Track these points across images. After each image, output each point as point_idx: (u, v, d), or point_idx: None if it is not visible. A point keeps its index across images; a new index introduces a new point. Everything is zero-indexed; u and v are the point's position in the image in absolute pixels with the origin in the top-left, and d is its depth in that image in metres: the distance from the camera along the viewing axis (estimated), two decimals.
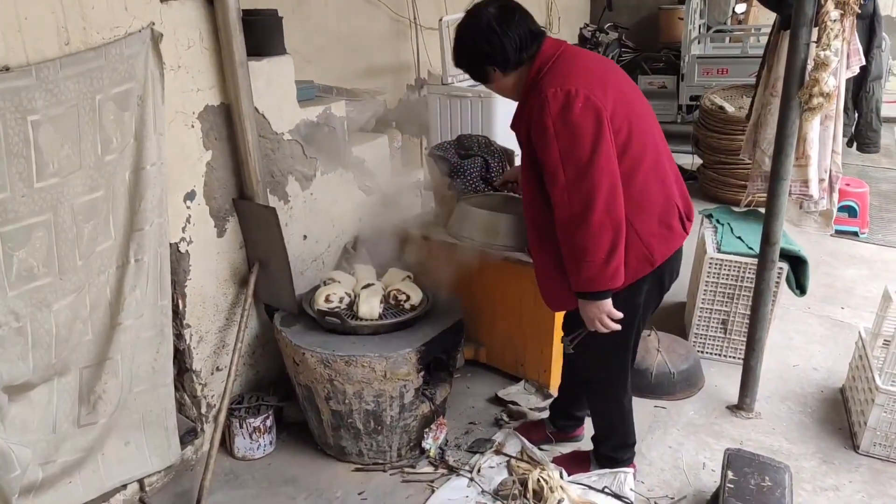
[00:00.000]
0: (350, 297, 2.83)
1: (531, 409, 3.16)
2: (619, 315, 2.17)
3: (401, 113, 4.77)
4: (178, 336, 2.76)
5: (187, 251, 2.68)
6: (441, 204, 3.54)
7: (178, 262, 2.66)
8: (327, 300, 2.76)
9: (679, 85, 7.58)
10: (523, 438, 2.89)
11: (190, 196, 2.66)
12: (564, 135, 2.00)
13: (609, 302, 2.15)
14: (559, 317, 2.99)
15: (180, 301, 2.70)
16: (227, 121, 2.74)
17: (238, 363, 2.78)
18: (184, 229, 2.66)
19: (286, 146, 3.04)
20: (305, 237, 3.25)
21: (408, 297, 2.81)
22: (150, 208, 2.48)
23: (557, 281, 2.26)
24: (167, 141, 2.50)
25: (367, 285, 2.89)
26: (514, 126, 2.27)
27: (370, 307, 2.71)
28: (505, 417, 3.10)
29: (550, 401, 3.17)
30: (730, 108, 5.91)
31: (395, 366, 2.59)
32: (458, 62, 2.29)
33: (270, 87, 2.90)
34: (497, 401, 3.25)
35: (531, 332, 3.23)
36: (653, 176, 2.17)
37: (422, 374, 2.68)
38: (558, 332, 3.03)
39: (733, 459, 2.50)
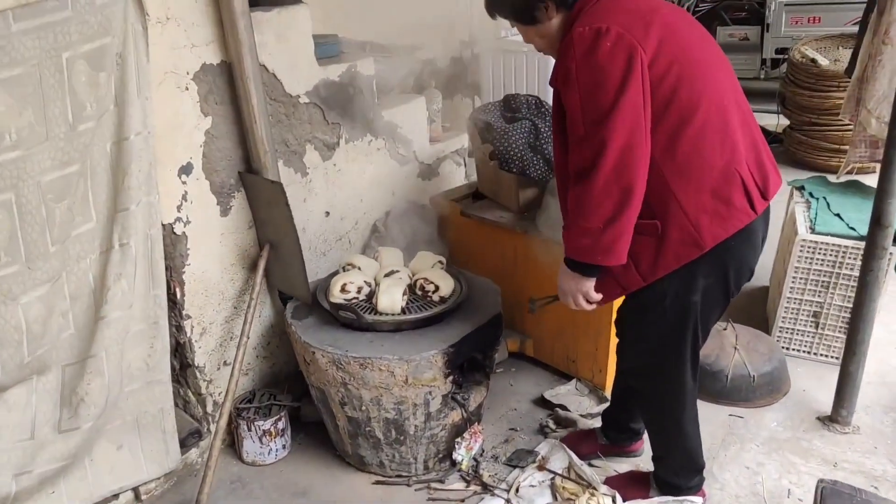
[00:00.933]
0: (370, 286, 2.45)
1: (582, 415, 2.73)
2: (597, 297, 1.93)
3: (451, 71, 4.32)
4: (178, 328, 2.44)
5: (184, 233, 2.34)
6: (482, 174, 3.10)
7: (174, 246, 2.33)
8: (343, 290, 2.39)
9: (763, 36, 6.81)
10: (571, 452, 2.48)
11: (186, 170, 2.31)
12: (587, 77, 1.69)
13: (592, 282, 1.90)
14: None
15: (177, 289, 2.38)
16: (229, 82, 2.36)
17: (243, 358, 2.45)
18: (179, 208, 2.32)
19: (303, 110, 2.65)
20: (328, 214, 2.88)
21: (436, 288, 2.41)
22: (136, 185, 2.14)
23: None
24: (155, 106, 2.15)
25: (391, 272, 2.50)
26: (551, 82, 1.88)
27: (391, 300, 2.32)
28: (551, 424, 2.68)
29: (604, 406, 2.74)
30: (823, 62, 5.20)
31: (417, 370, 2.21)
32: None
33: (282, 42, 2.51)
34: (543, 403, 2.84)
35: (584, 324, 2.79)
36: (709, 136, 1.74)
37: (451, 378, 2.29)
38: None
39: (829, 497, 2.02)
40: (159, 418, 2.38)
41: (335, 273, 2.59)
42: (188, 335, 2.45)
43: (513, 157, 2.78)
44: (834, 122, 5.03)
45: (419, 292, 2.44)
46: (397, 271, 2.50)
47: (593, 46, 1.68)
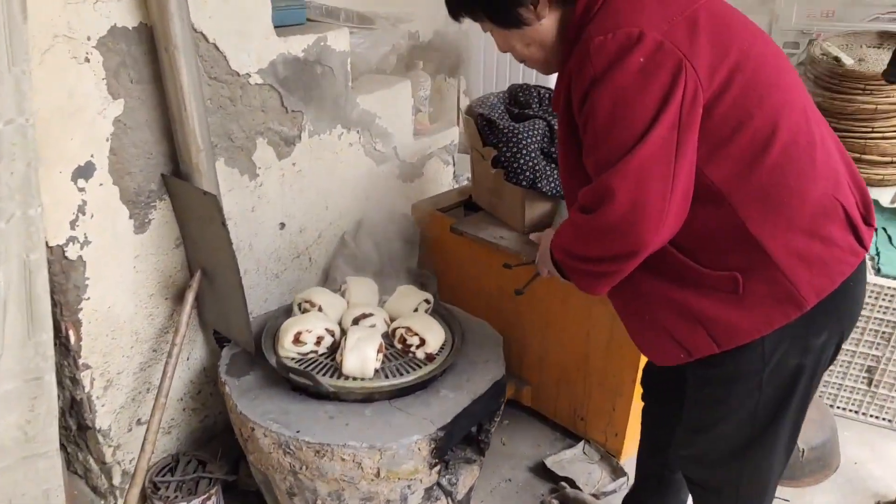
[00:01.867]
0: (333, 335, 1.85)
1: (595, 493, 2.19)
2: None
3: (435, 48, 3.69)
4: (73, 381, 1.82)
5: (81, 257, 1.72)
6: (480, 183, 2.51)
7: (66, 275, 1.70)
8: (297, 341, 1.79)
9: (771, 29, 6.29)
10: None
11: (84, 172, 1.68)
12: (606, 106, 1.24)
13: None
14: (643, 360, 2.03)
15: (71, 332, 1.75)
16: (150, 53, 1.73)
17: (161, 417, 1.85)
18: (74, 224, 1.69)
19: (253, 94, 2.02)
20: (283, 225, 2.26)
21: (422, 342, 1.82)
22: (6, 194, 1.51)
23: (653, 315, 1.43)
24: (39, 84, 1.52)
25: (362, 316, 1.90)
26: (554, 104, 1.48)
27: (361, 360, 1.73)
28: None
29: (620, 482, 2.21)
30: (848, 61, 4.69)
31: (394, 461, 1.63)
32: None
33: (228, 4, 1.87)
34: (544, 471, 2.29)
35: (599, 376, 2.25)
36: (795, 158, 1.29)
37: (438, 468, 1.71)
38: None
39: None
40: (42, 503, 1.77)
41: (288, 310, 1.99)
42: (87, 390, 1.83)
43: (523, 168, 2.19)
44: (857, 129, 4.53)
45: (398, 345, 1.86)
46: (370, 314, 1.91)
47: (619, 63, 1.22)
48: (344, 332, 1.86)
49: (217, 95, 1.92)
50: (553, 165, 2.26)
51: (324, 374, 1.76)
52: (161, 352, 1.99)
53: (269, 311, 2.23)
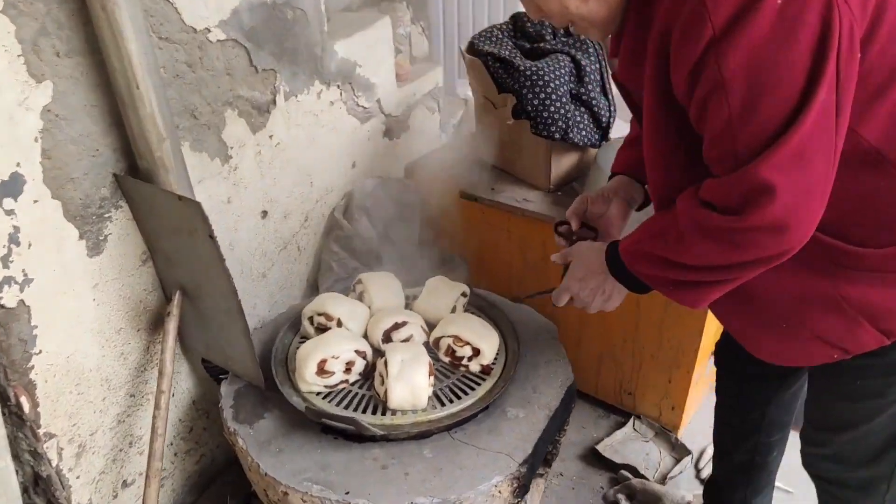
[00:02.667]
0: (365, 358, 1.48)
1: (659, 477, 1.94)
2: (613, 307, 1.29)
3: None
4: (34, 455, 1.41)
5: (21, 302, 1.28)
6: (488, 135, 2.12)
7: (6, 329, 1.27)
8: (322, 371, 1.42)
9: None
10: None
11: (9, 189, 1.22)
12: (738, 70, 0.90)
13: (623, 292, 1.26)
14: (710, 320, 1.77)
15: (23, 398, 1.33)
16: (80, 14, 1.25)
17: (159, 479, 1.46)
18: (6, 260, 1.24)
19: (215, 53, 1.56)
20: (265, 214, 1.84)
21: (476, 353, 1.47)
22: None
23: (794, 320, 1.14)
24: None
25: (393, 327, 1.53)
26: (623, 73, 1.19)
27: (411, 390, 1.37)
28: (622, 500, 1.87)
29: (685, 463, 1.96)
30: None
31: None
32: None
33: None
34: (598, 459, 2.02)
35: (652, 347, 1.97)
36: None
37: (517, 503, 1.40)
38: (706, 347, 1.84)
39: None
40: None
41: (294, 324, 1.61)
42: (54, 464, 1.42)
43: (554, 117, 1.82)
44: None
45: (446, 358, 1.51)
46: (402, 323, 1.54)
47: (750, 11, 0.87)
48: (377, 351, 1.50)
49: (171, 61, 1.46)
50: (583, 109, 1.90)
51: (363, 411, 1.40)
52: (141, 395, 1.58)
53: (264, 320, 1.83)
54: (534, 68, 1.83)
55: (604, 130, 1.96)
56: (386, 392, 1.37)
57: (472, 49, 2.00)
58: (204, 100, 1.56)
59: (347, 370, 1.45)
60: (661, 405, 2.05)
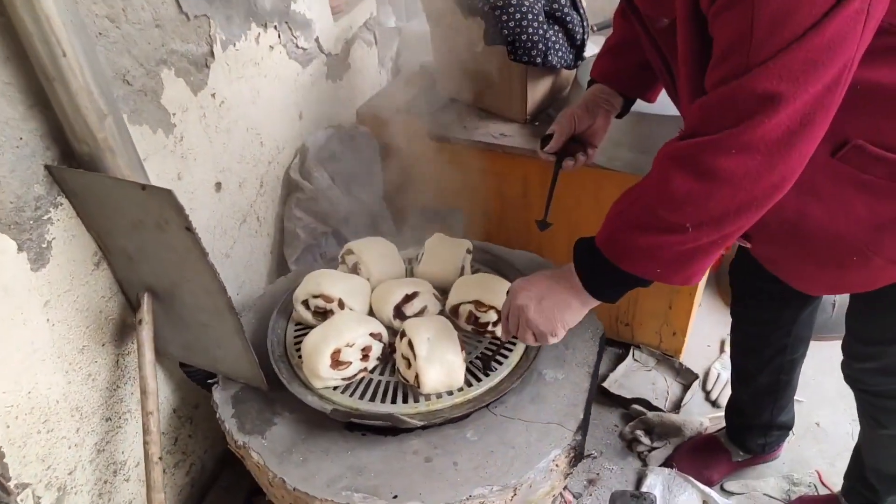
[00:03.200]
0: (381, 339, 1.30)
1: (671, 406, 1.90)
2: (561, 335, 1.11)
3: None
4: None
5: None
6: (453, 67, 1.92)
7: None
8: (337, 364, 1.23)
9: None
10: (704, 487, 1.66)
11: None
12: None
13: (586, 310, 1.09)
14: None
15: None
16: None
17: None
18: None
19: (139, 3, 1.28)
20: (219, 185, 1.60)
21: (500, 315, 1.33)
22: None
23: (864, 252, 1.03)
24: None
25: (404, 299, 1.36)
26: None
27: (447, 372, 1.22)
28: (642, 437, 1.81)
29: (694, 389, 1.93)
30: None
31: (531, 491, 1.19)
32: None
33: None
34: (606, 396, 1.95)
35: None
36: None
37: (572, 473, 1.29)
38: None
39: None
40: None
41: (283, 310, 1.41)
42: None
43: (533, 38, 1.64)
44: None
45: (468, 326, 1.36)
46: (414, 294, 1.37)
47: None
48: (390, 329, 1.33)
49: (90, 17, 1.18)
50: (557, 28, 1.72)
51: (392, 401, 1.24)
52: (118, 417, 1.36)
53: (237, 306, 1.62)
54: None
55: (578, 49, 1.80)
56: (417, 377, 1.21)
57: None
58: (135, 60, 1.29)
59: (365, 357, 1.27)
60: (661, 332, 1.99)
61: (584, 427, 1.24)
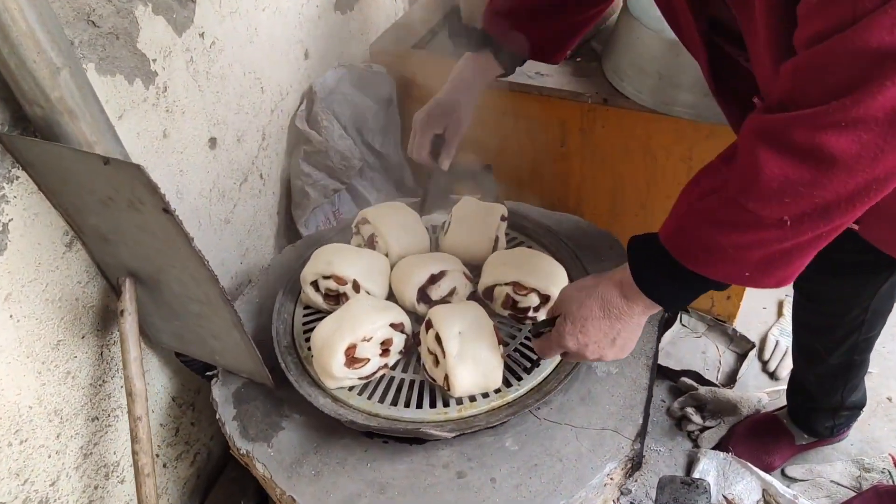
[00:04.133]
0: (403, 330, 1.11)
1: (724, 378, 1.72)
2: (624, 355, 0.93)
3: None
4: None
5: None
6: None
7: None
8: (353, 361, 1.05)
9: None
10: (763, 473, 1.49)
11: None
12: None
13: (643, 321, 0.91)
14: None
15: None
16: None
17: None
18: None
19: None
20: (214, 142, 1.38)
21: (545, 300, 1.13)
22: None
23: None
24: None
25: (430, 281, 1.16)
26: None
27: (483, 371, 1.03)
28: (693, 416, 1.64)
29: (751, 357, 1.74)
30: None
31: None
32: None
33: None
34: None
35: None
36: None
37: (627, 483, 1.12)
38: None
39: None
40: None
41: (292, 290, 1.22)
42: None
43: None
44: None
45: (504, 311, 1.16)
46: (440, 273, 1.17)
47: None
48: (413, 315, 1.14)
49: None
50: None
51: (419, 405, 1.06)
52: (107, 414, 1.19)
53: (239, 278, 1.44)
54: None
55: None
56: (447, 378, 1.02)
57: None
58: None
59: (385, 352, 1.08)
60: (714, 295, 1.79)
61: (642, 433, 1.06)
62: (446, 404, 1.05)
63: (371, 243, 1.26)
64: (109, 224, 1.00)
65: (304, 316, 1.21)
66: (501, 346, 1.06)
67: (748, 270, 0.76)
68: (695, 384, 1.68)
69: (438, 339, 1.04)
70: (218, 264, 1.44)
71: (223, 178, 1.43)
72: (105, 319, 1.16)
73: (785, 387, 1.57)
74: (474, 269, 1.22)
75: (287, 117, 1.63)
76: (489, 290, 1.16)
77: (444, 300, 1.17)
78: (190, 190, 1.33)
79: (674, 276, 0.80)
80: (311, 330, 1.12)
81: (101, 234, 1.03)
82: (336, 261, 1.16)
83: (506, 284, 1.14)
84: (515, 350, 1.13)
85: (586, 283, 0.91)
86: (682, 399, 1.67)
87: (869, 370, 1.69)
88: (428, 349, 1.07)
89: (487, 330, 1.06)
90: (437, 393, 1.07)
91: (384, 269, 1.20)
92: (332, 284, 1.16)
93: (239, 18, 1.40)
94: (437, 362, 1.05)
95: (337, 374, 1.04)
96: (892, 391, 1.69)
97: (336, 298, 1.17)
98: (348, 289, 1.15)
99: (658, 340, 1.19)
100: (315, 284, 1.18)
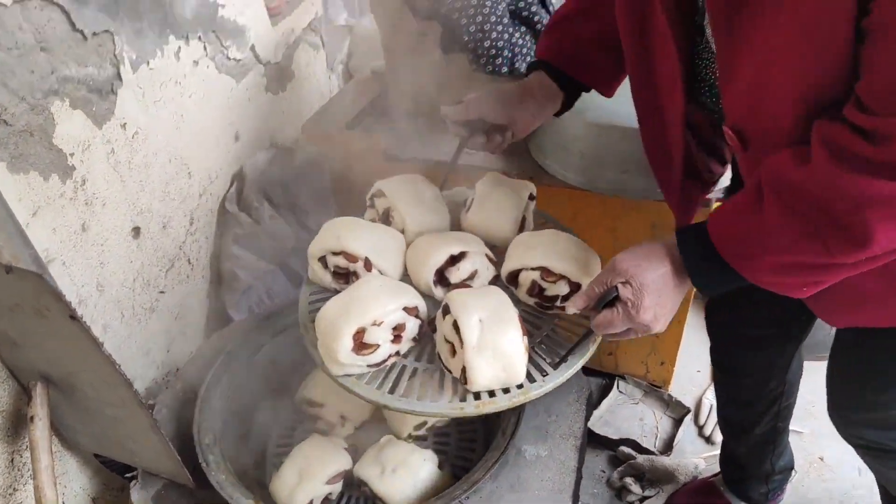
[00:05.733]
0: (417, 315, 1.03)
1: (662, 445, 1.73)
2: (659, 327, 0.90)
3: None
4: None
5: None
6: (405, 75, 1.70)
7: None
8: (362, 347, 0.97)
9: None
10: None
11: None
12: None
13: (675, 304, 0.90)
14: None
15: None
16: None
17: None
18: None
19: (16, 21, 1.05)
20: (138, 231, 1.36)
21: (575, 288, 1.03)
22: None
23: None
24: None
25: (449, 262, 1.08)
26: None
27: (504, 363, 0.94)
28: (632, 486, 1.64)
29: (686, 423, 1.76)
30: None
31: None
32: None
33: None
34: (591, 435, 1.77)
35: None
36: None
37: None
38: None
39: None
40: None
41: (227, 364, 1.19)
42: None
43: (497, 45, 1.43)
44: None
45: (530, 299, 1.07)
46: (461, 254, 1.08)
47: None
48: (430, 298, 1.06)
49: None
50: (524, 29, 1.51)
51: (430, 399, 0.96)
52: None
53: (167, 367, 1.40)
54: None
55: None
56: (464, 370, 0.94)
57: None
58: (14, 95, 1.05)
59: (397, 338, 1.00)
60: (648, 362, 1.82)
61: None
62: (463, 399, 0.96)
63: (386, 218, 1.17)
64: (18, 329, 0.97)
65: (311, 294, 1.11)
66: (525, 337, 0.98)
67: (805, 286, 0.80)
68: (633, 453, 1.69)
69: (456, 326, 0.96)
70: (142, 354, 1.41)
71: (148, 267, 1.40)
72: (16, 424, 1.11)
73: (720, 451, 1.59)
74: (498, 251, 1.13)
75: (217, 200, 1.62)
76: (514, 275, 1.07)
77: (464, 284, 1.08)
78: (112, 281, 1.30)
79: (721, 273, 0.82)
80: (318, 310, 1.01)
81: (11, 338, 1.00)
82: (347, 235, 1.07)
83: (532, 269, 1.04)
84: (541, 342, 1.04)
85: (652, 252, 0.88)
86: (622, 469, 1.67)
87: (800, 431, 1.73)
88: (444, 337, 0.99)
89: (511, 318, 0.96)
90: (455, 385, 0.98)
91: (399, 247, 1.11)
92: (341, 261, 1.07)
93: (164, 107, 1.40)
94: (453, 352, 0.97)
95: (343, 359, 0.96)
96: (823, 451, 1.72)
97: (346, 277, 1.08)
98: (359, 267, 1.07)
99: (586, 420, 1.19)
100: (323, 261, 1.09)
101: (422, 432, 1.26)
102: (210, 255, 1.61)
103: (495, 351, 0.94)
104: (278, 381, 1.35)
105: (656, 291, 0.86)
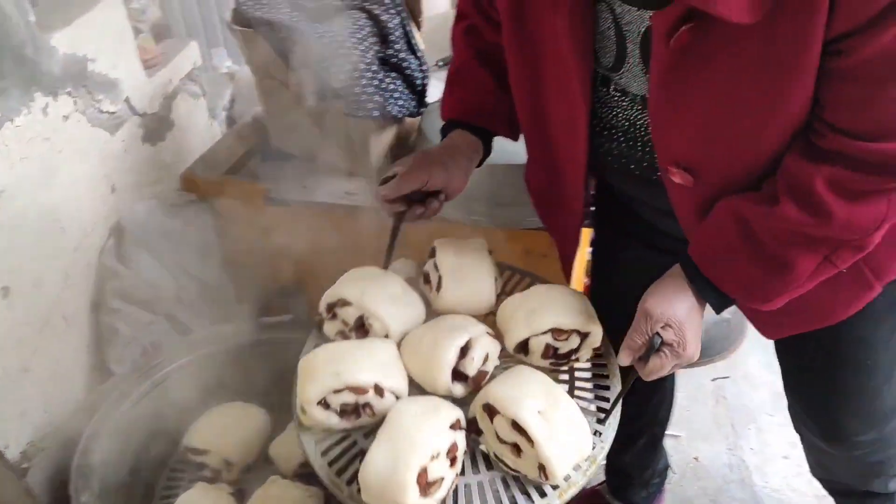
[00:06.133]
0: (460, 427, 0.93)
1: None
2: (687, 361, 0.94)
3: None
4: None
5: None
6: (283, 122, 1.74)
7: None
8: (427, 488, 0.85)
9: None
10: None
11: None
12: None
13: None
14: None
15: None
16: None
17: None
18: None
19: None
20: (6, 290, 1.34)
21: (584, 337, 1.03)
22: None
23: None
24: None
25: (462, 354, 0.99)
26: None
27: (577, 442, 0.92)
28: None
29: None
30: None
31: None
32: None
33: None
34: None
35: None
36: None
37: None
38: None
39: None
40: None
41: (118, 436, 1.17)
42: None
43: (367, 91, 1.50)
44: None
45: (545, 362, 1.04)
46: (467, 344, 0.99)
47: None
48: (449, 398, 0.98)
49: None
50: (394, 74, 1.59)
51: None
52: None
53: (43, 431, 1.36)
54: (330, 34, 1.47)
55: (419, 95, 1.67)
56: (543, 467, 0.88)
57: (240, 18, 1.58)
58: None
59: (453, 461, 0.89)
60: None
61: None
62: (543, 495, 0.89)
63: (360, 329, 1.06)
64: None
65: (317, 444, 0.96)
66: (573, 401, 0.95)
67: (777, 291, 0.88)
68: None
69: (516, 426, 0.88)
70: (17, 416, 1.37)
71: (19, 327, 1.37)
72: None
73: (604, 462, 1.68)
74: (479, 318, 1.07)
75: (94, 253, 1.60)
76: (523, 345, 1.03)
77: (481, 372, 1.01)
78: None
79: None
80: (338, 460, 0.92)
81: None
82: (345, 368, 0.94)
83: (543, 333, 1.01)
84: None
85: (673, 287, 0.92)
86: None
87: (676, 434, 1.85)
88: (498, 437, 0.91)
89: (561, 395, 0.93)
90: (518, 483, 0.91)
91: (396, 356, 1.01)
92: (347, 398, 0.95)
93: (31, 164, 1.39)
94: (518, 451, 0.89)
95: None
96: (698, 452, 1.85)
97: (356, 413, 0.97)
98: (370, 397, 0.95)
99: None
100: (324, 404, 0.96)
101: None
102: (88, 308, 1.58)
103: (567, 433, 0.90)
104: (162, 431, 1.34)
105: (693, 323, 0.90)
